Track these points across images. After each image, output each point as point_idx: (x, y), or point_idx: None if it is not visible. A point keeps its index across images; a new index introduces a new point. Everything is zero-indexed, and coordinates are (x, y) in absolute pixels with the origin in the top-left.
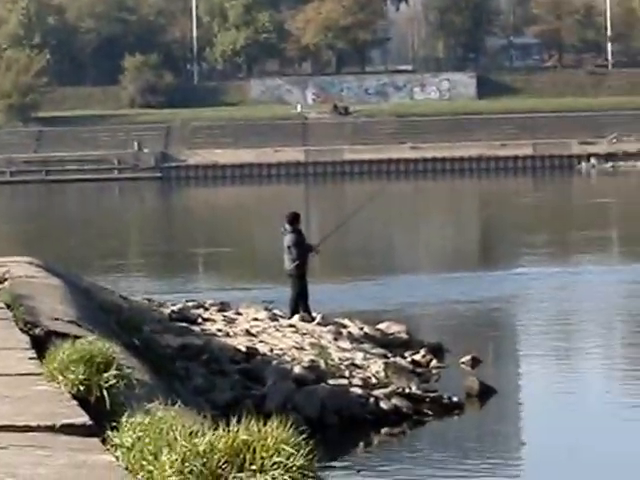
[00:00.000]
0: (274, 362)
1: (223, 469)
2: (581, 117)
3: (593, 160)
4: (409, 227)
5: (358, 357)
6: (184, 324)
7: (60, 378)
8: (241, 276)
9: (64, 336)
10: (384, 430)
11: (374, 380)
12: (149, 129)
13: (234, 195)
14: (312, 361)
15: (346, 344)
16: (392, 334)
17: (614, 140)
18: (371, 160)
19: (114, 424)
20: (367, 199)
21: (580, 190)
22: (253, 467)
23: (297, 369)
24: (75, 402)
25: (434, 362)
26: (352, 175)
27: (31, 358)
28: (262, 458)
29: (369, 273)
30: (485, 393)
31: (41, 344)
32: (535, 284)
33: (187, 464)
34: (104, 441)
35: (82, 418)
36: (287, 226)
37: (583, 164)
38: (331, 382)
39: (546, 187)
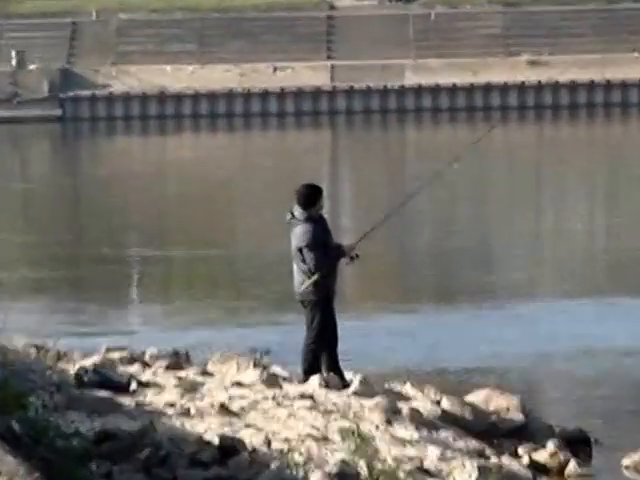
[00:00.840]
0: (273, 465)
1: None
2: None
3: None
4: (528, 213)
5: (431, 455)
6: (105, 393)
7: None
8: (210, 302)
9: None
10: None
11: None
12: (38, 28)
13: (197, 150)
14: (344, 463)
15: (408, 431)
16: (495, 413)
17: None
18: (454, 86)
19: None
20: (451, 160)
21: None
22: None
23: (316, 478)
24: None
25: (573, 465)
26: (419, 114)
27: None
28: None
29: (453, 298)
30: None
31: None
32: None
33: None
34: None
35: None
36: (298, 211)
37: None
38: None
39: None
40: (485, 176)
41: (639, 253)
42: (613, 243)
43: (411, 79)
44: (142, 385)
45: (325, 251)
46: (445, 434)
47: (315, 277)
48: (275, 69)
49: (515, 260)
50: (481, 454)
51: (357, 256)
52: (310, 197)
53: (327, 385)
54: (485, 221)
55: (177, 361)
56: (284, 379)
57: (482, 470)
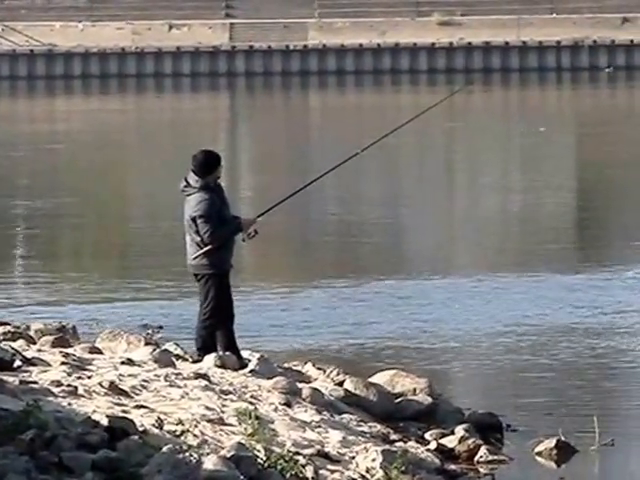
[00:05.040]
0: (165, 448)
1: None
2: None
3: None
4: (439, 185)
5: (333, 440)
6: None
7: None
8: (98, 275)
9: None
10: None
11: None
12: None
13: (87, 112)
14: (240, 447)
15: (309, 414)
16: (401, 395)
17: None
18: (360, 47)
19: None
20: (364, 146)
21: None
22: None
23: (211, 462)
24: None
25: (484, 451)
26: (323, 76)
27: None
28: None
29: (358, 273)
30: None
31: None
32: None
33: None
34: None
35: None
36: (193, 178)
37: None
38: None
39: None
40: (398, 149)
41: (550, 232)
42: (530, 220)
43: (315, 39)
44: (27, 362)
45: (221, 222)
46: (348, 417)
47: (208, 247)
48: (170, 27)
49: (429, 236)
50: (385, 439)
51: (256, 232)
52: (207, 164)
53: (223, 364)
54: (396, 196)
55: (64, 337)
56: (177, 357)
57: (386, 455)
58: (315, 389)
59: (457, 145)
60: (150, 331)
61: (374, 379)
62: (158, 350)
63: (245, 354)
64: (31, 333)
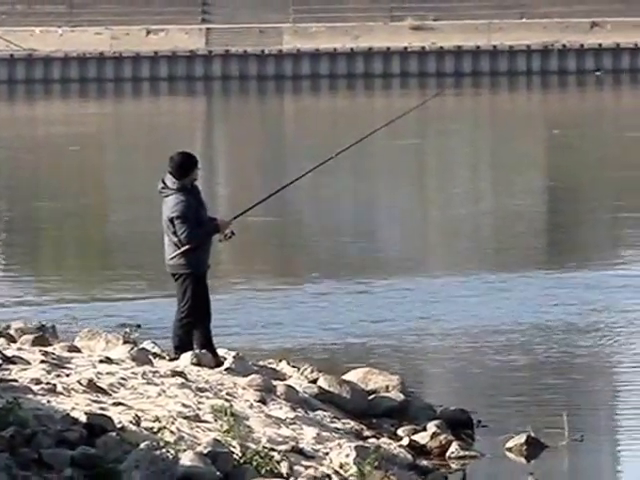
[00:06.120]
0: (142, 444)
1: None
2: None
3: None
4: (409, 190)
5: (307, 436)
6: None
7: None
8: (78, 274)
9: None
10: None
11: None
12: None
13: (67, 116)
14: (216, 443)
15: (283, 411)
16: (374, 392)
17: None
18: (335, 52)
19: None
20: (352, 142)
21: None
22: None
23: (187, 459)
24: None
25: (455, 447)
26: (297, 81)
27: None
28: None
29: (331, 273)
30: None
31: None
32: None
33: None
34: None
35: None
36: (170, 180)
37: None
38: None
39: None
40: (367, 148)
41: (523, 235)
42: (499, 221)
43: (290, 43)
44: (7, 360)
45: (197, 223)
46: (322, 414)
47: (185, 247)
48: (148, 32)
49: (398, 236)
50: (359, 435)
51: (233, 234)
52: (184, 166)
53: (199, 362)
54: (367, 196)
55: (43, 336)
56: (155, 355)
57: (360, 451)
58: (290, 386)
59: (432, 150)
60: (128, 330)
61: (347, 376)
62: (136, 348)
63: (221, 352)
64: (11, 332)
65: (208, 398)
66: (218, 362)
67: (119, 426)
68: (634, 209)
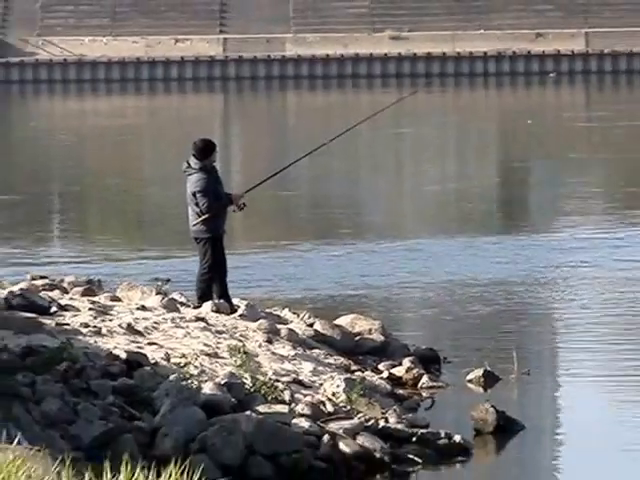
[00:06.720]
0: (171, 377)
1: None
2: None
3: None
4: (391, 169)
5: (305, 370)
6: (30, 315)
7: None
8: (119, 238)
9: None
10: None
11: (330, 407)
12: None
13: (110, 109)
14: (232, 375)
15: (286, 349)
16: (359, 334)
17: None
18: (327, 57)
19: None
20: (341, 131)
21: None
22: None
23: (208, 388)
24: None
25: (425, 379)
26: (298, 80)
27: None
28: None
29: (327, 237)
30: (505, 429)
31: None
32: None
33: None
34: None
35: None
36: (193, 161)
37: None
38: (262, 409)
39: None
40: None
41: (490, 202)
42: (468, 191)
43: (291, 50)
44: (61, 308)
45: (215, 197)
46: (317, 352)
47: (205, 216)
48: (176, 41)
49: (384, 207)
50: (347, 369)
51: (244, 205)
52: (204, 150)
53: (218, 310)
54: (355, 175)
55: (91, 288)
56: (181, 304)
57: (348, 382)
58: (291, 329)
59: (407, 139)
60: (160, 283)
61: (338, 321)
62: (166, 298)
63: (235, 301)
64: (65, 285)
65: (225, 339)
66: (233, 309)
67: (152, 362)
68: (588, 184)
